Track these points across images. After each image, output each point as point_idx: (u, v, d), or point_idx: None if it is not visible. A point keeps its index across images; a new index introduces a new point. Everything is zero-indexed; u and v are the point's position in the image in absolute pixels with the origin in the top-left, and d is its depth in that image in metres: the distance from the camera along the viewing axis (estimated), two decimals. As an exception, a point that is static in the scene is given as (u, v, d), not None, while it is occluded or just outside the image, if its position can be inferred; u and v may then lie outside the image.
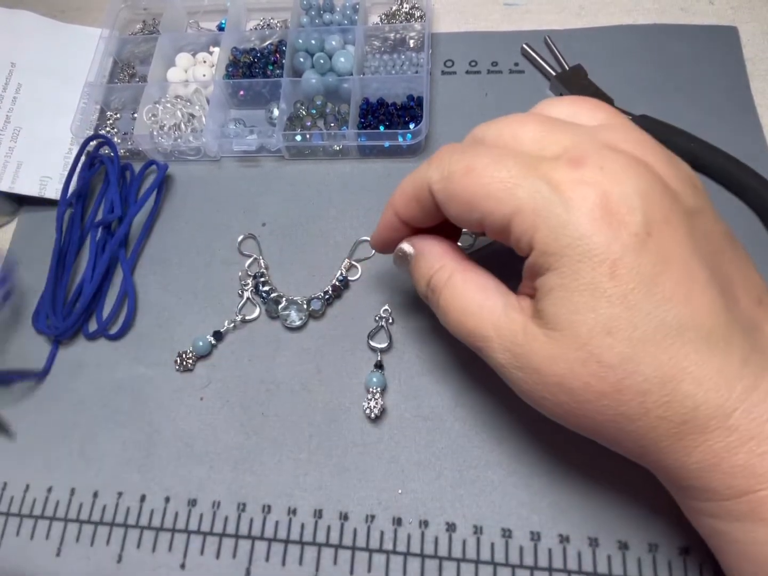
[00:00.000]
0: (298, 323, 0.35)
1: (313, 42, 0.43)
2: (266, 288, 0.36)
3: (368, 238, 0.37)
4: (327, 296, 0.35)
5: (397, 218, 0.28)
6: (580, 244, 0.20)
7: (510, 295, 0.24)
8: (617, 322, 0.20)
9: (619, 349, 0.20)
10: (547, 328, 0.22)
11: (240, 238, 0.38)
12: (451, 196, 0.24)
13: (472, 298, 0.25)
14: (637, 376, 0.20)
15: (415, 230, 0.28)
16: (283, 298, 0.35)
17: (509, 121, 0.24)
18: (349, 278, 0.36)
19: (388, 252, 0.30)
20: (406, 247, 0.28)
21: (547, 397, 0.22)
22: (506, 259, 0.28)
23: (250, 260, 0.37)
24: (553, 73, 0.41)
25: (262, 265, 0.37)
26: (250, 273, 0.37)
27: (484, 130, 0.25)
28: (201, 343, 0.35)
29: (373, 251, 0.37)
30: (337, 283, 0.36)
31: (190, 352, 0.35)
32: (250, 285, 0.37)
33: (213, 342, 0.35)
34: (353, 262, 0.37)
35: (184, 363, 0.35)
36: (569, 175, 0.21)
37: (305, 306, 0.35)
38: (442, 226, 0.27)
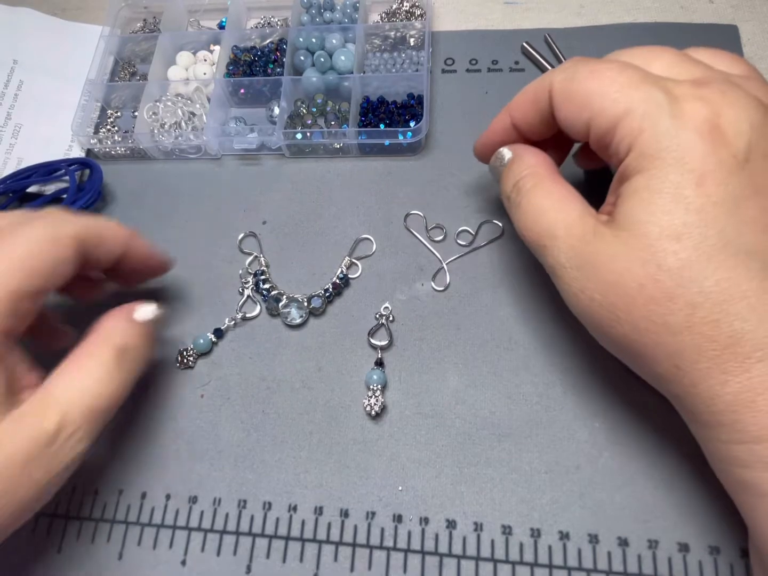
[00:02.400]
0: (298, 321, 0.35)
1: (313, 40, 0.43)
2: (267, 286, 0.36)
3: (369, 236, 0.37)
4: (327, 294, 0.35)
5: (510, 120, 0.29)
6: (678, 149, 0.21)
7: (589, 206, 0.25)
8: (689, 229, 0.21)
9: (682, 256, 0.21)
10: (618, 229, 0.22)
11: (240, 236, 0.38)
12: (569, 95, 0.25)
13: (553, 200, 0.26)
14: (693, 286, 0.20)
15: (521, 141, 0.30)
16: (284, 296, 0.35)
17: (645, 48, 0.25)
18: (349, 276, 0.36)
19: (487, 158, 0.31)
20: (505, 151, 0.29)
21: (596, 297, 0.23)
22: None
23: (250, 258, 0.37)
24: (554, 72, 0.41)
25: (263, 262, 0.37)
26: (250, 271, 0.37)
27: (618, 54, 0.26)
28: (202, 341, 0.35)
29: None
30: (337, 281, 0.36)
31: (191, 349, 0.35)
32: (251, 283, 0.37)
33: (214, 339, 0.35)
34: (353, 260, 0.37)
35: (185, 360, 0.35)
36: (689, 90, 0.22)
37: (306, 303, 0.35)
38: (546, 145, 0.29)
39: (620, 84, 0.23)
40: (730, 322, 0.20)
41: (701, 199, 0.21)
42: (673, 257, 0.21)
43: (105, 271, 0.32)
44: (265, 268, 0.37)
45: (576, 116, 0.24)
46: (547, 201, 0.26)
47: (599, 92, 0.23)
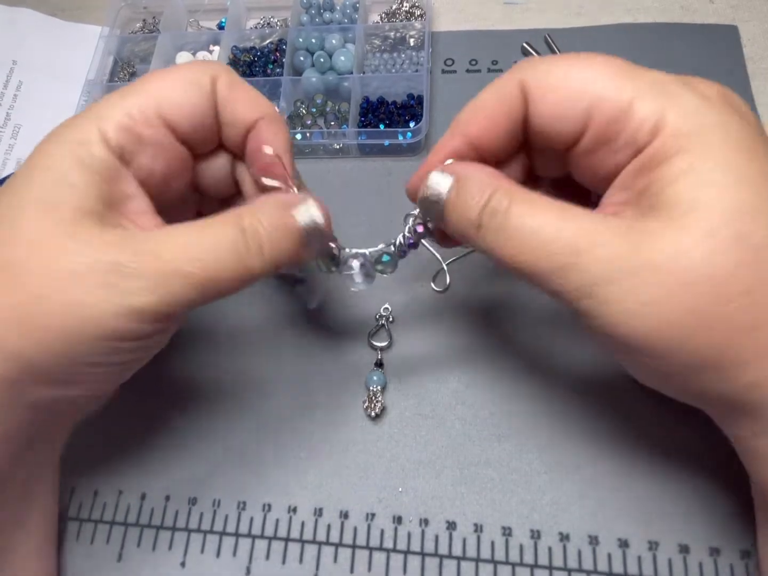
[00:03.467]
0: (361, 284, 0.27)
1: (313, 41, 0.43)
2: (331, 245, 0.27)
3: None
4: (400, 246, 0.27)
5: (461, 144, 0.24)
6: (718, 125, 0.20)
7: (588, 210, 0.21)
8: (760, 203, 0.19)
9: (765, 233, 0.18)
10: (673, 218, 0.19)
11: None
12: (555, 86, 0.22)
13: (548, 212, 0.21)
14: None
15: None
16: (345, 250, 0.27)
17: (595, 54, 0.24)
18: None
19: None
20: (439, 177, 0.23)
21: (665, 302, 0.19)
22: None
23: None
24: (554, 72, 0.41)
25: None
26: None
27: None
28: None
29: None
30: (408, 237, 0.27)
31: (191, 350, 0.35)
32: None
33: (213, 340, 0.35)
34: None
35: (185, 361, 0.34)
36: (699, 81, 0.21)
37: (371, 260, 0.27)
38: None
39: (618, 67, 0.21)
40: None
41: (758, 171, 0.19)
42: (759, 234, 0.18)
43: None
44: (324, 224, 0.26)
45: (568, 108, 0.22)
46: (541, 215, 0.21)
47: (597, 77, 0.21)
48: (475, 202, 0.22)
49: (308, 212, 0.24)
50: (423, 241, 0.31)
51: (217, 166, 0.29)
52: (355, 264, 0.27)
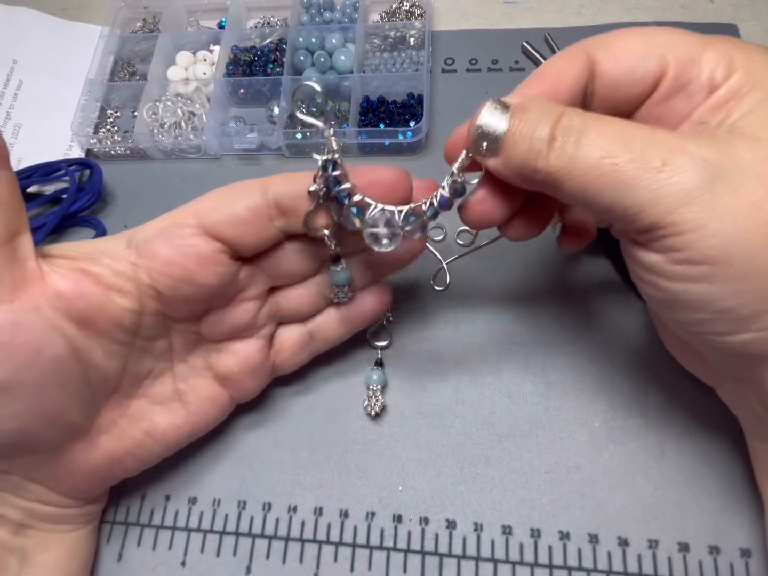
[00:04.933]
0: (388, 245, 0.25)
1: (313, 40, 0.43)
2: (346, 185, 0.24)
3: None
4: (432, 208, 0.25)
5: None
6: None
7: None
8: None
9: None
10: (759, 137, 0.20)
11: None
12: (627, 42, 0.23)
13: (629, 124, 0.21)
14: None
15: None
16: (374, 207, 0.25)
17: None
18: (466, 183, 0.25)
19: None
20: (491, 105, 0.22)
21: (758, 202, 0.19)
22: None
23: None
24: (554, 71, 0.41)
25: (334, 146, 0.24)
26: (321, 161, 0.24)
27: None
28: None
29: None
30: (441, 200, 0.24)
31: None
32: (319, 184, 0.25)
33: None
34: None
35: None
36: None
37: (399, 221, 0.25)
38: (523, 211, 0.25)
39: (675, 29, 0.23)
40: None
41: None
42: None
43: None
44: (336, 155, 0.24)
45: (643, 58, 0.22)
46: (622, 123, 0.20)
47: (662, 35, 0.23)
48: (544, 119, 0.21)
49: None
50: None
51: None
52: (380, 219, 0.24)
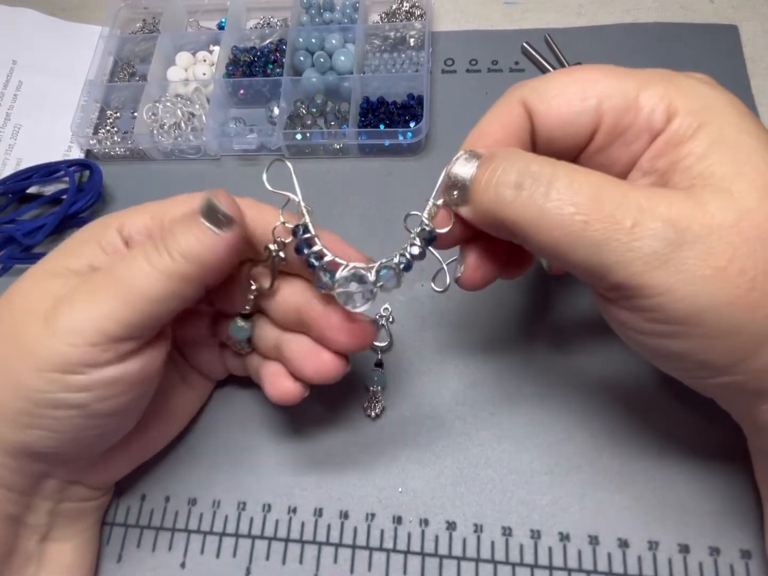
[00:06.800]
0: (362, 306, 0.24)
1: (313, 41, 0.43)
2: (316, 248, 0.24)
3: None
4: (403, 260, 0.24)
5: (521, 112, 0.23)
6: (721, 99, 0.21)
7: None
8: None
9: None
10: (725, 186, 0.19)
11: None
12: (561, 91, 0.23)
13: (600, 175, 0.20)
14: None
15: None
16: (347, 268, 0.24)
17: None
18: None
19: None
20: (463, 156, 0.23)
21: (726, 266, 0.19)
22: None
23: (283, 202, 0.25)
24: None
25: (303, 209, 0.24)
26: (288, 224, 0.25)
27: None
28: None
29: None
30: (413, 252, 0.24)
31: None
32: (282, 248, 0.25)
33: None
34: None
35: (185, 361, 0.34)
36: (688, 73, 0.23)
37: (372, 279, 0.24)
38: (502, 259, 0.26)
39: (613, 69, 0.23)
40: None
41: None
42: None
43: None
44: (307, 219, 0.24)
45: (578, 110, 0.22)
46: (595, 175, 0.20)
47: (598, 78, 0.22)
48: (510, 167, 0.21)
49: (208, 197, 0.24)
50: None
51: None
52: (352, 278, 0.24)
